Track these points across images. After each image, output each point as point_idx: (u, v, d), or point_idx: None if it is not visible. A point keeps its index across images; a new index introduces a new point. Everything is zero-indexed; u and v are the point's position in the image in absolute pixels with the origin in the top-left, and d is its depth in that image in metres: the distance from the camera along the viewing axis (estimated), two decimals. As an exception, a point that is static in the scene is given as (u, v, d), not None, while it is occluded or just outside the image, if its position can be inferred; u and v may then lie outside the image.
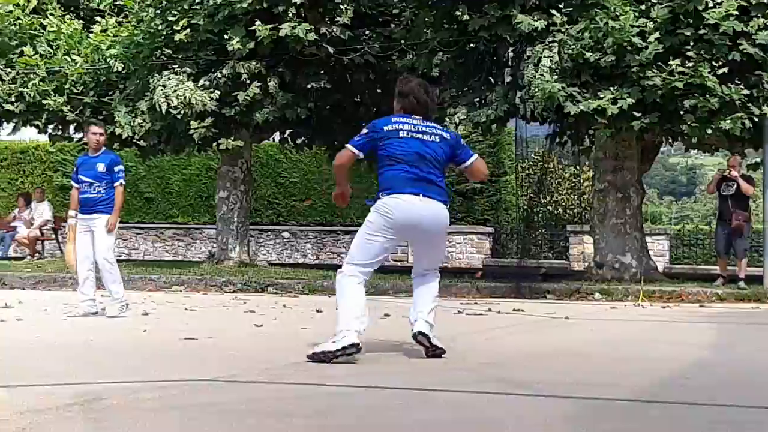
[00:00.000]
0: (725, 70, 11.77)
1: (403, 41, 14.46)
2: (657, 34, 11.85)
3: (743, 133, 11.99)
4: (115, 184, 9.46)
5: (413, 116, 6.07)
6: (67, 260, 10.01)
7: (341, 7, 14.29)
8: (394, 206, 5.90)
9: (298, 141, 17.79)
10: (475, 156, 6.20)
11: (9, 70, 16.10)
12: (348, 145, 6.03)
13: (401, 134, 5.98)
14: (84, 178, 9.45)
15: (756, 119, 11.97)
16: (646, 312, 10.49)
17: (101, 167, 9.42)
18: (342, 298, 5.93)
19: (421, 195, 5.91)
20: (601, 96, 12.01)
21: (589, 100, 12.05)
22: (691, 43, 11.91)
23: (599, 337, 7.79)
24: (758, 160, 14.17)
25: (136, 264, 17.21)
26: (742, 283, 12.88)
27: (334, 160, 6.27)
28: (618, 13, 11.94)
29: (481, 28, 12.87)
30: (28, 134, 19.83)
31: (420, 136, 6.00)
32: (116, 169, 9.49)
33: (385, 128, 6.00)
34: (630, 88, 11.99)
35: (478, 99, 13.46)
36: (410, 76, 6.57)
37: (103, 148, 9.68)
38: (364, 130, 6.07)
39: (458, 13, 13.08)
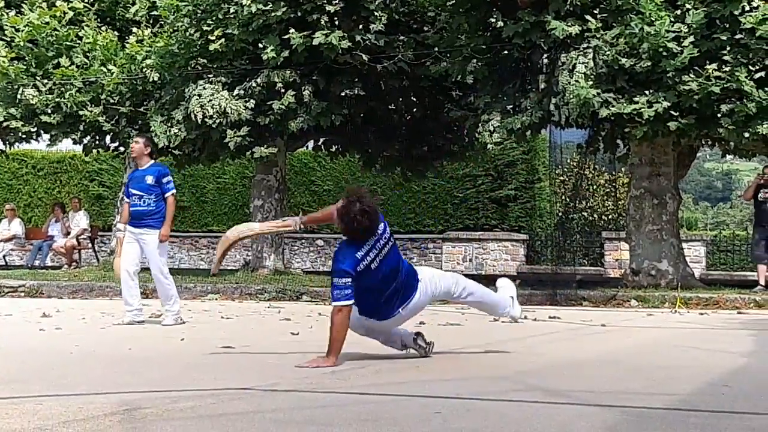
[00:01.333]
0: (762, 74, 11.71)
1: (436, 48, 14.44)
2: (692, 39, 11.79)
3: (780, 137, 11.91)
4: (166, 195, 9.48)
5: None
6: (116, 273, 10.05)
7: (375, 14, 14.29)
8: None
9: (332, 149, 17.83)
10: None
11: (46, 81, 16.22)
12: None
13: None
14: (134, 191, 9.45)
15: (793, 124, 11.87)
16: (683, 319, 10.42)
17: (150, 179, 9.41)
18: None
19: None
20: (637, 100, 11.95)
21: (624, 104, 11.99)
22: (728, 48, 11.84)
23: (637, 345, 7.75)
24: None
25: (172, 272, 17.20)
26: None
27: None
28: (653, 19, 11.86)
29: (515, 35, 12.84)
30: (65, 144, 19.98)
31: None
32: (164, 180, 9.48)
33: None
34: (666, 92, 11.92)
35: (512, 106, 13.41)
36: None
37: (151, 161, 9.66)
38: None
39: (492, 20, 13.08)
